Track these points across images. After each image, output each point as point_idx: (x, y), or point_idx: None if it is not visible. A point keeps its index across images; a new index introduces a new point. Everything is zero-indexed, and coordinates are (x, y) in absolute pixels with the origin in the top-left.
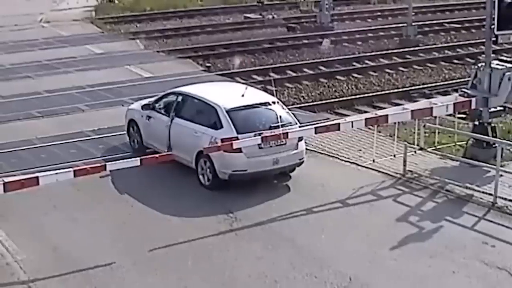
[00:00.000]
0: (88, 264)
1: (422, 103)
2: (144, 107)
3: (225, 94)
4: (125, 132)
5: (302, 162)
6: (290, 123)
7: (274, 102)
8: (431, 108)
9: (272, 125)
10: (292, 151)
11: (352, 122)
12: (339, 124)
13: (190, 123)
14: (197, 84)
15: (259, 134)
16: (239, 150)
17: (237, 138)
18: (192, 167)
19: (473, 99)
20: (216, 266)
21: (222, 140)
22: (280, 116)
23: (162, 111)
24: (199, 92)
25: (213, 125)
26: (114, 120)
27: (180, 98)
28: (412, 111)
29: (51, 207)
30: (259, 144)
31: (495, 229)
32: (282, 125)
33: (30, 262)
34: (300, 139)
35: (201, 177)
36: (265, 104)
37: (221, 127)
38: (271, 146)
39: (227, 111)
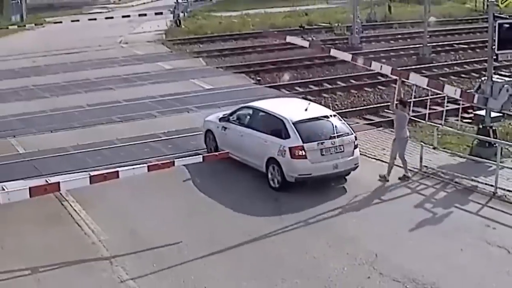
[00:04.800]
0: (159, 243)
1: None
2: (220, 119)
3: (290, 108)
4: (190, 134)
5: (357, 167)
6: (347, 133)
7: (332, 115)
8: (443, 85)
9: (332, 135)
10: (349, 157)
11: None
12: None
13: (261, 133)
14: (264, 99)
15: (321, 143)
16: (304, 156)
17: (303, 147)
18: (262, 171)
19: (476, 96)
20: (266, 244)
21: (290, 148)
22: (338, 127)
23: (236, 123)
24: (268, 107)
25: (281, 135)
26: (181, 124)
27: (251, 111)
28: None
29: (129, 196)
30: (321, 151)
31: (496, 214)
32: (340, 135)
33: (111, 242)
34: (355, 146)
35: (270, 179)
36: (325, 117)
37: (288, 137)
38: (331, 153)
39: (293, 123)
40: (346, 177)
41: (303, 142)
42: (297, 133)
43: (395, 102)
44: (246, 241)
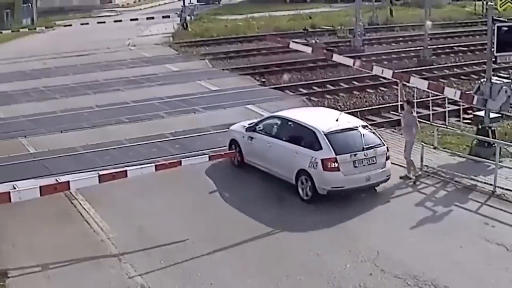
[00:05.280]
0: (166, 240)
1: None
2: (247, 129)
3: (321, 119)
4: (197, 134)
5: (388, 179)
6: (379, 144)
7: (364, 126)
8: (443, 87)
9: (365, 146)
10: (380, 169)
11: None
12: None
13: (290, 144)
14: (292, 109)
15: (354, 155)
16: (337, 168)
17: (335, 159)
18: (292, 183)
19: (475, 97)
20: (270, 242)
21: (322, 160)
22: (370, 138)
23: (263, 133)
24: (297, 117)
25: (312, 147)
26: (188, 124)
27: (279, 121)
28: None
29: (137, 195)
30: (354, 163)
31: (495, 212)
32: (372, 147)
33: (119, 239)
34: (387, 158)
35: (300, 191)
36: (357, 127)
37: (320, 148)
38: (364, 165)
39: (325, 134)
40: (376, 188)
41: (336, 154)
42: (329, 144)
43: (401, 103)
44: (251, 239)
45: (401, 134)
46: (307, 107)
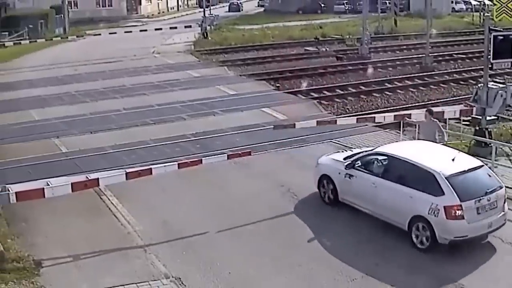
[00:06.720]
0: (188, 233)
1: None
2: (347, 166)
3: (436, 158)
4: (216, 135)
5: (505, 223)
6: (500, 187)
7: (481, 166)
8: (443, 112)
9: (488, 190)
10: (500, 214)
11: None
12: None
13: (403, 187)
14: (394, 143)
15: (478, 201)
16: (461, 217)
17: (460, 206)
18: (403, 229)
19: (474, 108)
20: (284, 233)
21: (445, 208)
22: (489, 180)
23: (366, 170)
24: (408, 155)
25: (431, 191)
26: (208, 126)
27: (386, 159)
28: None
29: (161, 190)
30: (477, 209)
31: None
32: (494, 190)
33: (145, 232)
34: (505, 200)
35: (415, 239)
36: (476, 168)
37: (442, 193)
38: (486, 211)
39: (446, 178)
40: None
41: (461, 201)
42: (452, 189)
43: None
44: (266, 231)
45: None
46: (409, 141)
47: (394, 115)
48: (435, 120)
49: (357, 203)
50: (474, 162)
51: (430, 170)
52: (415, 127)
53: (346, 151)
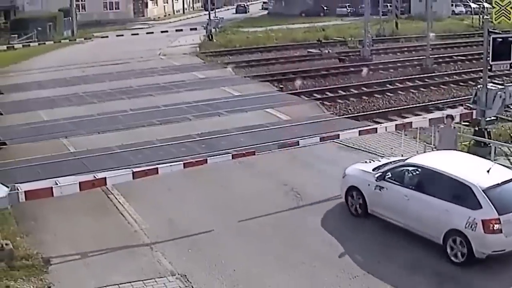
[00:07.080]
0: (194, 231)
1: (437, 114)
2: (377, 178)
3: (471, 170)
4: (221, 135)
5: None
6: None
7: None
8: (443, 118)
9: None
10: None
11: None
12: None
13: (438, 200)
14: (427, 154)
15: None
16: (499, 230)
17: (499, 220)
18: (438, 242)
19: (474, 111)
20: (288, 232)
21: (483, 221)
22: None
23: (397, 182)
24: (442, 167)
25: (468, 204)
26: (213, 126)
27: (419, 171)
28: None
29: (167, 190)
30: None
31: None
32: None
33: (151, 230)
34: None
35: (450, 252)
36: (510, 180)
37: (480, 207)
38: None
39: (483, 190)
40: None
41: (499, 214)
42: (490, 202)
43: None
44: (270, 229)
45: (434, 147)
46: (440, 152)
47: (396, 125)
48: (455, 126)
49: (387, 215)
50: (509, 173)
51: (466, 182)
52: (431, 134)
53: (374, 161)
